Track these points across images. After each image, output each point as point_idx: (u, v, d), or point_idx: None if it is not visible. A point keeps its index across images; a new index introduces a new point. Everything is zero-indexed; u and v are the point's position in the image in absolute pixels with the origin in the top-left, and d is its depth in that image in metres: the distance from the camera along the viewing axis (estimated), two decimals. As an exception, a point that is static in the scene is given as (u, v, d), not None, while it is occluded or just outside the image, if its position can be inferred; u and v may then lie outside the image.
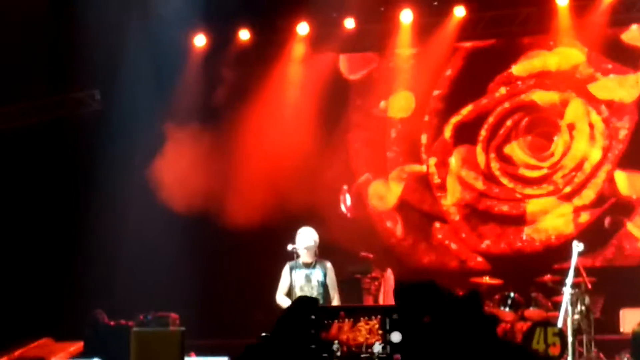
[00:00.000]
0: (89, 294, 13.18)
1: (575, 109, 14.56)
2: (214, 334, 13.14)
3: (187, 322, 11.80)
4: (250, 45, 15.52)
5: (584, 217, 14.34)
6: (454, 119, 15.15)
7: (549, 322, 11.52)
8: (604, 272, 13.19)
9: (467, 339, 3.91)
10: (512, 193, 14.79)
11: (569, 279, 10.96)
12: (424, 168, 15.18)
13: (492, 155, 14.97)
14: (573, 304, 10.91)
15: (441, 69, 15.23)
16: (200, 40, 15.60)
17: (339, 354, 7.27)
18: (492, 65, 15.07)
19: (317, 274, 9.99)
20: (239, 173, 14.79)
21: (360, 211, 15.14)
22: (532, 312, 12.19)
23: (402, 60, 15.40)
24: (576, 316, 10.91)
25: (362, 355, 7.26)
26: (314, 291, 9.91)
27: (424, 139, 15.30)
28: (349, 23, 15.14)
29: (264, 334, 6.96)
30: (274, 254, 10.50)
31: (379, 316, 7.27)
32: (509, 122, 14.96)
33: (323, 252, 10.21)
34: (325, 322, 7.25)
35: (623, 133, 14.37)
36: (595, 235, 13.87)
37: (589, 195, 14.36)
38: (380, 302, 12.99)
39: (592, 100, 14.50)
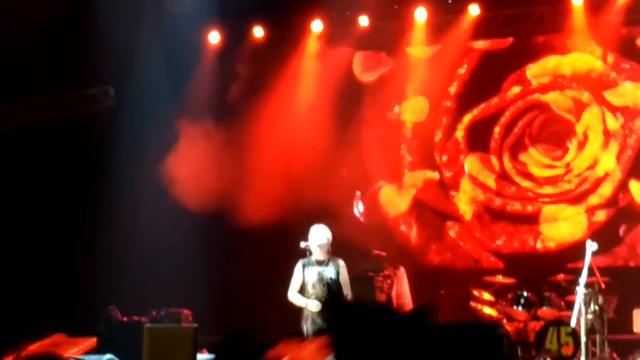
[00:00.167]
0: (102, 290, 13.21)
1: (590, 111, 14.49)
2: (227, 331, 13.14)
3: (200, 318, 11.83)
4: (265, 42, 15.52)
5: (598, 216, 14.28)
6: (467, 118, 15.12)
7: (562, 322, 11.49)
8: (618, 272, 13.13)
9: None
10: (525, 192, 14.74)
11: (583, 279, 10.91)
12: (436, 175, 15.14)
13: (506, 153, 14.93)
14: (586, 304, 10.87)
15: (455, 67, 15.20)
16: (214, 37, 15.61)
17: None
18: (506, 64, 15.02)
19: (329, 272, 9.97)
20: (252, 170, 14.80)
21: (374, 216, 15.09)
22: (545, 311, 12.15)
23: (415, 63, 15.37)
24: (589, 316, 10.87)
25: None
26: (325, 289, 9.91)
27: (437, 137, 15.27)
28: (363, 21, 15.13)
29: None
30: (287, 251, 10.50)
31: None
32: (522, 121, 14.91)
33: (336, 249, 10.20)
34: None
35: (634, 137, 14.31)
36: (609, 235, 13.82)
37: (602, 194, 14.30)
38: (393, 300, 12.98)
39: (607, 104, 14.43)
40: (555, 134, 14.73)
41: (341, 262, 10.08)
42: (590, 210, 14.33)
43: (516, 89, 14.95)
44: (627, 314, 12.72)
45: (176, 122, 15.00)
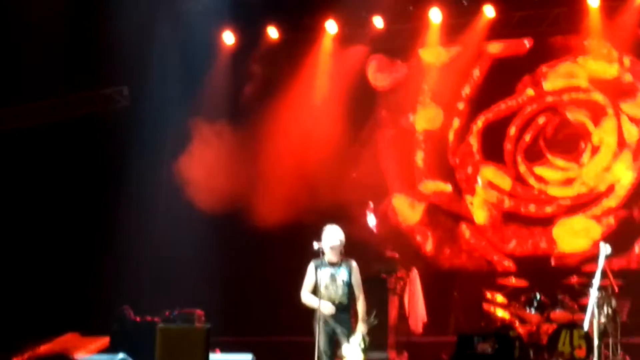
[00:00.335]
0: (116, 290, 13.26)
1: (607, 121, 14.44)
2: (239, 331, 13.19)
3: (213, 318, 11.84)
4: (279, 43, 15.55)
5: (611, 219, 14.24)
6: (481, 120, 15.10)
7: (575, 325, 11.45)
8: (631, 275, 13.08)
9: None
10: (539, 194, 14.71)
11: (596, 281, 10.83)
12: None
13: (520, 156, 14.90)
14: (599, 307, 10.78)
15: (469, 69, 15.18)
16: (229, 38, 15.65)
17: None
18: (521, 65, 14.98)
19: (342, 273, 9.95)
20: (266, 170, 14.83)
21: (387, 227, 15.02)
22: (558, 314, 12.10)
23: (429, 69, 15.35)
24: (602, 319, 10.78)
25: None
26: (339, 290, 9.89)
27: (450, 139, 15.25)
28: (378, 22, 15.12)
29: None
30: (301, 251, 10.49)
31: None
32: (536, 123, 14.88)
33: (349, 250, 10.19)
34: None
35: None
36: (622, 238, 13.77)
37: (617, 196, 14.25)
38: (406, 301, 12.98)
39: (625, 114, 14.39)
40: (570, 136, 14.70)
41: (354, 264, 10.06)
42: (605, 214, 14.28)
43: (530, 91, 14.92)
44: (640, 317, 12.69)
45: (190, 122, 15.04)
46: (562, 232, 14.43)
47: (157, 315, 12.52)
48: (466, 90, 15.24)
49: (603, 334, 10.82)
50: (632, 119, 14.33)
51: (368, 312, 9.99)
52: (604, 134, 14.46)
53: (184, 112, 14.96)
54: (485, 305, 12.78)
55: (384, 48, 15.43)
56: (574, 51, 14.76)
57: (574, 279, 12.49)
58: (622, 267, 13.40)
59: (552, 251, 14.48)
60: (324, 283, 9.88)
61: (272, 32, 15.49)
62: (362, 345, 9.78)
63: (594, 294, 10.77)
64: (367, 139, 15.55)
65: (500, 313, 12.52)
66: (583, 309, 11.46)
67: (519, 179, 14.88)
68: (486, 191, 14.98)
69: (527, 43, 15.00)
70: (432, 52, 15.36)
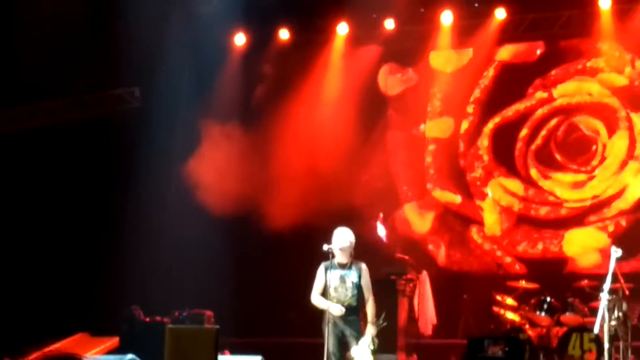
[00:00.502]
0: (125, 291, 13.27)
1: (618, 136, 14.41)
2: (249, 333, 13.19)
3: (222, 320, 11.84)
4: (290, 44, 15.55)
5: (622, 222, 14.18)
6: (493, 122, 15.07)
7: (586, 328, 11.41)
8: (642, 279, 13.03)
9: None
10: (549, 197, 14.67)
11: (607, 285, 10.80)
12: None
13: (531, 158, 14.86)
14: (610, 310, 10.75)
15: (480, 71, 15.15)
16: (240, 39, 15.67)
17: None
18: (532, 68, 14.94)
19: (352, 275, 9.93)
20: (277, 172, 14.83)
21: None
22: (568, 317, 12.06)
23: (440, 78, 15.32)
24: (613, 322, 10.75)
25: None
26: (348, 292, 9.88)
27: (461, 142, 15.22)
28: (389, 24, 15.11)
29: None
30: (311, 253, 10.48)
31: None
32: (547, 126, 14.85)
33: (359, 252, 10.18)
34: None
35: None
36: (633, 241, 13.71)
37: (627, 199, 14.20)
38: (415, 304, 12.95)
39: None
40: (581, 139, 14.65)
41: (363, 266, 10.04)
42: (615, 216, 14.23)
43: (541, 94, 14.88)
44: (651, 321, 12.62)
45: (201, 124, 15.06)
46: (573, 248, 14.34)
47: (166, 316, 12.54)
48: (476, 94, 15.21)
49: (613, 338, 10.78)
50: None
51: (377, 314, 9.97)
52: (615, 137, 14.41)
53: (195, 113, 14.98)
54: (495, 308, 12.75)
55: (395, 50, 15.39)
56: (585, 54, 14.72)
57: (585, 282, 12.46)
58: (632, 270, 13.34)
59: (563, 255, 14.43)
60: (334, 285, 9.87)
61: (284, 34, 15.50)
62: (372, 347, 9.76)
63: (604, 297, 10.74)
64: (377, 141, 15.53)
65: (510, 316, 12.49)
66: (593, 312, 11.44)
67: (529, 182, 14.84)
68: (496, 194, 14.94)
69: (538, 51, 14.93)
70: (443, 58, 15.31)
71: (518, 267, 14.56)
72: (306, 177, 14.61)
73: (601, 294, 10.85)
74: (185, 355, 9.30)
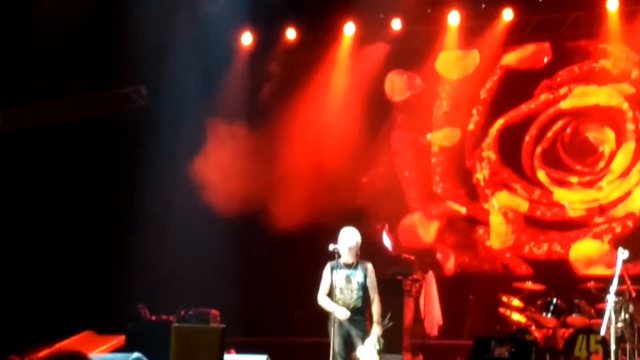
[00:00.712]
0: (132, 289, 13.27)
1: (624, 121, 14.38)
2: (255, 332, 13.18)
3: (228, 319, 11.84)
4: (297, 44, 15.54)
5: (629, 224, 14.15)
6: (499, 123, 15.05)
7: (592, 330, 11.39)
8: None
9: None
10: (556, 198, 14.64)
11: (613, 287, 10.77)
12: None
13: (537, 159, 14.84)
14: (617, 312, 10.72)
15: (487, 73, 15.13)
16: (247, 39, 15.66)
17: None
18: (539, 69, 14.92)
19: (358, 275, 9.92)
20: (283, 171, 14.82)
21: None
22: (574, 318, 12.03)
23: (446, 85, 15.29)
24: (620, 324, 10.72)
25: None
26: (353, 293, 9.87)
27: (467, 142, 15.20)
28: (396, 24, 15.09)
29: None
30: (316, 253, 10.47)
31: None
32: (554, 127, 14.82)
33: (365, 252, 10.16)
34: None
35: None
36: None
37: (635, 201, 14.17)
38: (421, 304, 12.94)
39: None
40: (588, 141, 14.62)
41: (369, 266, 10.02)
42: (622, 219, 14.20)
43: (548, 95, 14.86)
44: (658, 323, 12.57)
45: (208, 123, 15.05)
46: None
47: (172, 314, 12.54)
48: (483, 95, 15.18)
49: (620, 340, 10.76)
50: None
51: (383, 315, 9.96)
52: (623, 140, 14.38)
53: (202, 112, 14.97)
54: (501, 309, 12.73)
55: (401, 50, 15.33)
56: (592, 56, 14.69)
57: (591, 284, 12.42)
58: (639, 272, 13.30)
59: (569, 257, 14.40)
60: (339, 285, 9.86)
61: (291, 33, 15.49)
62: (377, 348, 9.75)
63: (611, 299, 10.71)
64: (384, 141, 15.51)
65: (516, 317, 12.47)
66: (600, 314, 11.40)
67: (536, 183, 14.81)
68: (503, 194, 14.92)
69: (545, 59, 14.89)
70: (450, 65, 15.23)
71: (524, 269, 14.53)
72: (312, 177, 14.60)
73: (608, 296, 10.83)
74: (191, 354, 9.30)
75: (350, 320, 9.86)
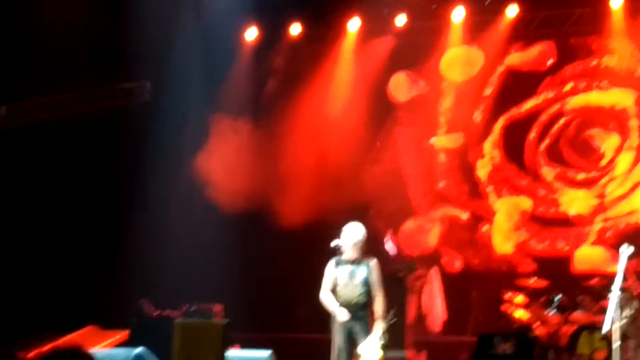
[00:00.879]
0: (135, 284, 13.27)
1: (629, 117, 14.34)
2: (258, 328, 13.18)
3: (232, 314, 11.84)
4: (301, 39, 15.52)
5: (632, 220, 14.13)
6: (503, 119, 15.03)
7: (596, 327, 11.36)
8: (653, 278, 12.96)
9: None
10: (559, 195, 14.63)
11: (617, 283, 10.76)
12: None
13: (541, 156, 14.82)
14: (621, 309, 10.71)
15: (491, 69, 15.10)
16: (251, 34, 15.64)
17: None
18: (543, 55, 14.88)
19: (361, 272, 9.89)
20: (287, 167, 14.82)
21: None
22: (578, 315, 12.03)
23: (451, 90, 15.26)
24: (623, 321, 10.71)
25: None
26: (357, 289, 9.85)
27: (471, 138, 15.19)
28: (401, 20, 15.07)
29: None
30: (320, 249, 10.46)
31: None
32: (558, 124, 14.80)
33: (368, 248, 10.15)
34: None
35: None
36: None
37: (638, 198, 14.16)
38: (424, 300, 12.94)
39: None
40: (592, 137, 14.59)
41: (373, 262, 10.00)
42: (627, 215, 14.17)
43: (552, 92, 14.84)
44: (661, 320, 12.55)
45: (212, 119, 15.04)
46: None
47: (175, 309, 12.55)
48: (487, 92, 15.16)
49: (623, 337, 10.74)
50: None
51: (386, 311, 9.94)
52: (627, 136, 14.36)
53: (206, 108, 14.96)
54: (505, 306, 12.72)
55: (406, 45, 15.28)
56: (597, 52, 14.66)
57: (595, 281, 12.40)
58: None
59: (572, 254, 14.38)
60: (343, 281, 9.84)
61: (295, 29, 15.47)
62: (380, 344, 9.74)
63: (614, 295, 10.70)
64: (388, 136, 15.51)
65: (520, 314, 12.46)
66: (603, 310, 11.37)
67: (539, 179, 14.80)
68: (506, 190, 14.91)
69: (549, 62, 14.84)
70: (455, 67, 15.18)
71: (527, 265, 14.51)
72: (316, 172, 14.59)
73: (611, 293, 10.82)
74: (194, 350, 9.31)
75: (354, 316, 9.84)
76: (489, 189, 15.02)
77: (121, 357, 9.19)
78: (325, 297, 9.87)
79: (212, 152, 14.84)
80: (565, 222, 14.55)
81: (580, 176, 14.58)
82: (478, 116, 15.20)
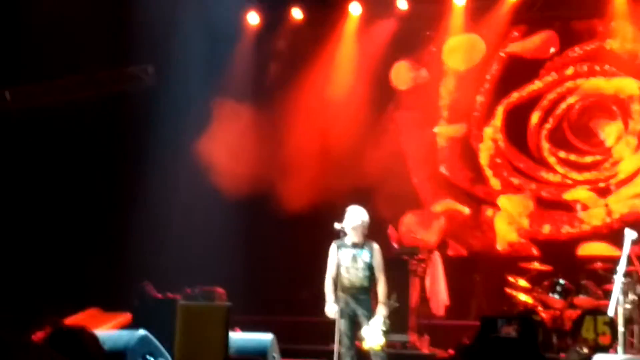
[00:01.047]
0: (138, 266, 13.27)
1: (632, 100, 14.29)
2: (260, 311, 13.18)
3: (234, 298, 11.83)
4: (303, 23, 15.47)
5: (638, 203, 14.08)
6: (505, 102, 14.98)
7: (599, 311, 11.34)
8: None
9: None
10: (563, 178, 14.59)
11: (621, 268, 10.74)
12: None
13: (544, 139, 14.78)
14: (624, 293, 10.69)
15: (493, 55, 15.03)
16: (253, 18, 15.58)
17: None
18: (545, 44, 14.82)
19: (364, 255, 9.89)
20: (289, 150, 14.79)
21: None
22: (581, 299, 12.00)
23: (452, 79, 15.20)
24: (627, 305, 10.70)
25: None
26: (359, 272, 9.85)
27: (473, 122, 15.14)
28: (402, 3, 15.00)
29: None
30: (323, 233, 10.44)
31: None
32: (561, 107, 14.75)
33: (371, 232, 10.13)
34: None
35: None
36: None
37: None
38: (427, 284, 12.91)
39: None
40: (595, 120, 14.53)
41: (376, 246, 10.00)
42: (631, 198, 14.13)
43: (554, 75, 14.78)
44: (665, 304, 12.52)
45: (214, 103, 15.01)
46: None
47: (178, 292, 12.54)
48: (489, 76, 15.10)
49: (628, 321, 10.73)
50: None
51: (389, 295, 9.93)
52: (630, 118, 14.31)
53: (208, 92, 14.92)
54: (508, 290, 12.70)
55: (407, 29, 15.19)
56: (599, 35, 14.59)
57: (599, 265, 12.39)
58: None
59: (576, 237, 14.34)
60: (346, 264, 9.84)
61: (297, 13, 15.41)
62: (383, 328, 9.73)
63: (618, 280, 10.68)
64: (390, 119, 15.48)
65: (523, 298, 12.44)
66: (607, 295, 11.37)
67: (542, 163, 14.76)
68: (509, 173, 14.87)
69: (552, 49, 14.77)
70: (456, 55, 15.11)
71: (531, 249, 14.48)
72: (319, 155, 14.57)
73: (615, 277, 10.80)
74: (196, 332, 9.30)
75: (356, 299, 9.85)
76: (492, 172, 14.98)
77: (124, 339, 9.17)
78: (326, 284, 9.87)
79: (214, 136, 14.80)
80: (568, 206, 14.51)
81: (584, 159, 14.53)
82: (480, 100, 15.14)
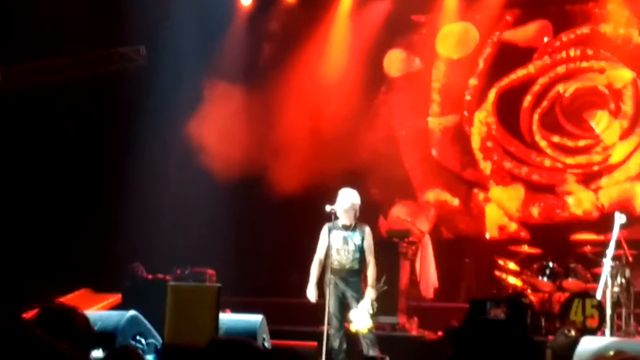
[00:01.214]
0: (128, 247, 13.28)
1: (624, 85, 14.30)
2: (250, 292, 13.21)
3: (224, 279, 11.86)
4: (296, 5, 15.42)
5: (627, 187, 14.12)
6: (498, 86, 14.99)
7: (588, 294, 11.41)
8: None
9: None
10: (554, 162, 14.62)
11: (610, 251, 10.80)
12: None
13: (535, 123, 14.79)
14: (613, 277, 10.76)
15: (486, 41, 15.02)
16: (246, -1, 15.55)
17: None
18: (539, 33, 14.82)
19: (355, 237, 9.93)
20: (281, 132, 14.78)
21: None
22: (570, 282, 12.05)
23: (445, 67, 15.17)
24: (616, 289, 10.77)
25: None
26: (350, 254, 9.89)
27: (465, 106, 15.15)
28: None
29: None
30: (315, 215, 10.48)
31: None
32: (553, 91, 14.75)
33: (361, 214, 10.15)
34: None
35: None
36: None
37: (632, 166, 14.14)
38: (417, 267, 12.95)
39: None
40: (588, 103, 14.55)
41: (367, 228, 10.04)
42: (622, 182, 14.17)
43: (547, 59, 14.79)
44: (654, 288, 12.60)
45: (206, 83, 14.97)
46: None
47: (168, 273, 12.57)
48: (481, 61, 15.09)
49: (616, 304, 10.80)
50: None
51: (378, 278, 9.98)
52: (622, 102, 14.33)
53: (200, 72, 14.89)
54: (497, 273, 12.75)
55: (401, 9, 15.15)
56: (593, 18, 14.58)
57: (588, 248, 12.43)
58: (636, 237, 13.30)
59: (566, 220, 14.38)
60: (336, 246, 9.89)
61: (290, -7, 15.38)
62: (371, 311, 9.78)
63: (607, 263, 10.74)
64: (383, 103, 15.48)
65: (512, 280, 12.49)
66: (596, 278, 11.43)
67: (534, 147, 14.77)
68: (501, 159, 14.89)
69: (545, 38, 14.77)
70: (449, 44, 15.09)
71: (520, 232, 14.53)
72: (311, 138, 14.57)
73: (604, 260, 10.86)
74: (187, 312, 9.33)
75: (346, 281, 9.90)
76: (482, 156, 14.99)
77: (114, 320, 9.20)
78: (313, 265, 9.92)
79: (206, 117, 14.78)
80: (559, 189, 14.53)
81: (575, 143, 14.55)
82: (472, 83, 15.14)
